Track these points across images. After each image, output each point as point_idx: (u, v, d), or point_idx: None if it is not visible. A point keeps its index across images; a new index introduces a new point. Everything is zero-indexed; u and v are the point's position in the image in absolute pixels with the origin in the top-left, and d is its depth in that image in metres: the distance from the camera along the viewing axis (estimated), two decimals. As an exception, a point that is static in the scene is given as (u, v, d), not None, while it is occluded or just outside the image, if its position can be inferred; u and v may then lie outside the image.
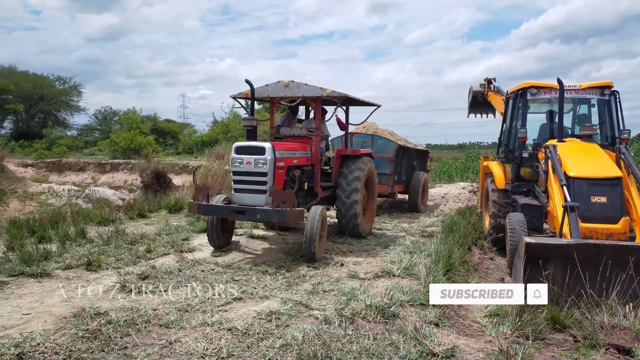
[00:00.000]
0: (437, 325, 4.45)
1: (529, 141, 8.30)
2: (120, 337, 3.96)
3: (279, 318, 4.44)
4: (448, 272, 6.15)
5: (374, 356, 3.67)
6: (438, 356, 3.71)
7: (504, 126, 9.40)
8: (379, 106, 9.03)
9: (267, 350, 3.76)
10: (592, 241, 5.23)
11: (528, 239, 5.20)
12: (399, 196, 12.93)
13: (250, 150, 6.81)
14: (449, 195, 15.26)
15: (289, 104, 8.55)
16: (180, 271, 5.99)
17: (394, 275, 5.96)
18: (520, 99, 8.45)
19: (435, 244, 7.07)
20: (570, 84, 8.02)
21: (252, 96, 7.51)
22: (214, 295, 5.06)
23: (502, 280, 6.68)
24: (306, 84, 7.58)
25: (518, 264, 5.34)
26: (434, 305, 4.91)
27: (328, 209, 8.56)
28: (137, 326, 4.17)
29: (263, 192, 6.73)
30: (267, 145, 6.78)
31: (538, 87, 8.21)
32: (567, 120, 8.66)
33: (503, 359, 3.42)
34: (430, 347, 3.80)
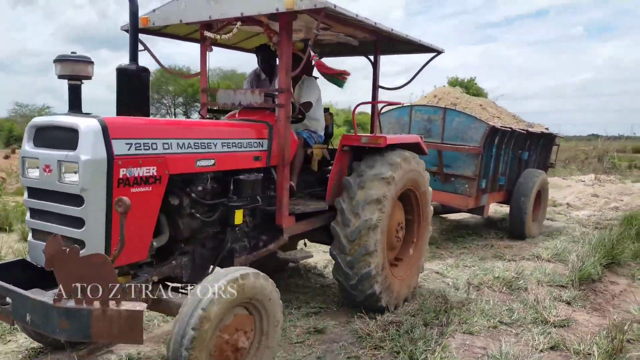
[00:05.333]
0: (568, 303, 4.59)
1: None
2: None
3: (414, 280, 5.13)
4: (611, 263, 5.98)
5: (487, 316, 4.12)
6: (548, 323, 3.98)
7: None
8: (438, 52, 4.93)
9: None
10: None
11: None
12: (492, 208, 8.35)
13: (54, 139, 2.78)
14: (654, 189, 13.44)
15: (248, 48, 5.02)
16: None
17: (542, 259, 6.05)
18: None
19: (603, 235, 6.78)
20: None
21: (132, 23, 3.28)
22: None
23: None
24: None
25: None
26: (579, 289, 4.96)
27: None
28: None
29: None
30: (85, 123, 2.65)
31: None
32: None
33: (615, 331, 3.54)
34: (545, 316, 4.07)
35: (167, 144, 3.00)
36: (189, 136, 3.15)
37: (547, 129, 8.88)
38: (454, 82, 40.63)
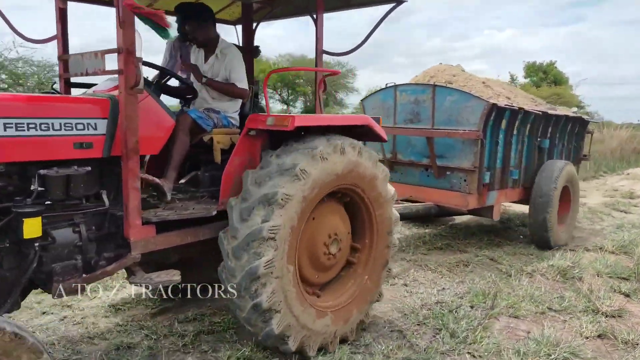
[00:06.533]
0: (626, 295, 4.47)
1: None
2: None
3: (466, 265, 5.21)
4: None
5: (536, 302, 4.14)
6: (599, 313, 3.92)
7: None
8: (399, 1, 3.64)
9: (445, 283, 4.62)
10: None
11: None
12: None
13: None
14: None
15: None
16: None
17: (605, 251, 5.85)
18: None
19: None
20: None
21: None
22: (425, 235, 6.09)
23: None
24: None
25: None
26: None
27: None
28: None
29: None
30: None
31: None
32: None
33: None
34: (597, 305, 4.02)
35: None
36: None
37: (575, 112, 7.33)
38: (530, 68, 38.39)
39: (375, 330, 3.59)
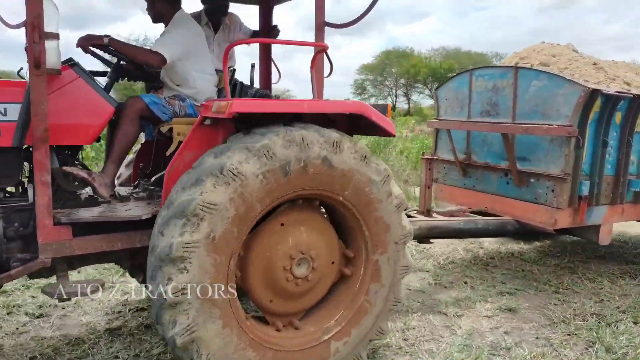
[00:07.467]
0: None
1: None
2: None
3: (634, 277, 4.71)
4: None
5: None
6: None
7: None
8: None
9: (604, 295, 4.23)
10: None
11: None
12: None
13: None
14: None
15: None
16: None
17: None
18: None
19: None
20: None
21: None
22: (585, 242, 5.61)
23: None
24: None
25: None
26: None
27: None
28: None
29: None
30: None
31: None
32: None
33: None
34: None
35: None
36: None
37: None
38: None
39: (519, 336, 3.47)
